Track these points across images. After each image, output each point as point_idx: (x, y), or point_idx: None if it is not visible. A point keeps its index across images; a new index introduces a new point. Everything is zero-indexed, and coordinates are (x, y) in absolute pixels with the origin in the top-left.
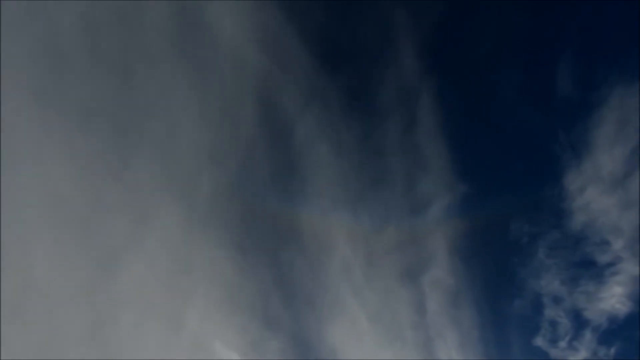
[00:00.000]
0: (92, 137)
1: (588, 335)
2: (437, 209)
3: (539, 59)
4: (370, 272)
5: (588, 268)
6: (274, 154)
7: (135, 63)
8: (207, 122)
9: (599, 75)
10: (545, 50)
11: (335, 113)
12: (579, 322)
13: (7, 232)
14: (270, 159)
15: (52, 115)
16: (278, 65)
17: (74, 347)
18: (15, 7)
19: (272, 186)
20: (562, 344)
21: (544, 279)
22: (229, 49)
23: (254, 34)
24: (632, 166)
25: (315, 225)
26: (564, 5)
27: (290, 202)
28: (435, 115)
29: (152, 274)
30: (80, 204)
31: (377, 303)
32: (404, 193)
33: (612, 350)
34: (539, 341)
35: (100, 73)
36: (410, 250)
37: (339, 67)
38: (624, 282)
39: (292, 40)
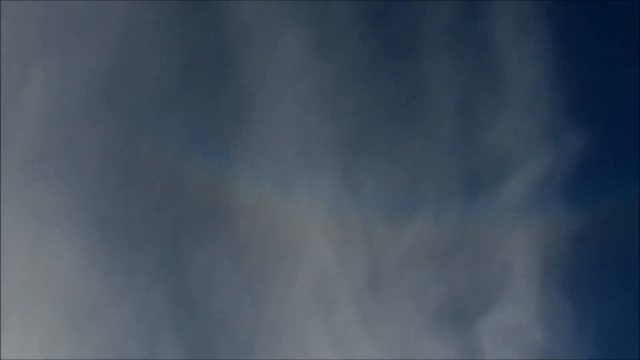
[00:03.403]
0: None
1: None
2: (522, 181)
3: None
4: (375, 305)
5: None
6: (183, 42)
7: None
8: None
9: None
10: None
11: None
12: None
13: None
14: (175, 51)
15: None
16: None
17: None
18: None
19: (174, 114)
20: None
21: None
22: None
23: None
24: None
25: (266, 204)
26: None
27: (216, 153)
28: None
29: None
30: None
31: None
32: (451, 143)
33: None
34: None
35: None
36: (458, 267)
37: None
38: None
39: None
